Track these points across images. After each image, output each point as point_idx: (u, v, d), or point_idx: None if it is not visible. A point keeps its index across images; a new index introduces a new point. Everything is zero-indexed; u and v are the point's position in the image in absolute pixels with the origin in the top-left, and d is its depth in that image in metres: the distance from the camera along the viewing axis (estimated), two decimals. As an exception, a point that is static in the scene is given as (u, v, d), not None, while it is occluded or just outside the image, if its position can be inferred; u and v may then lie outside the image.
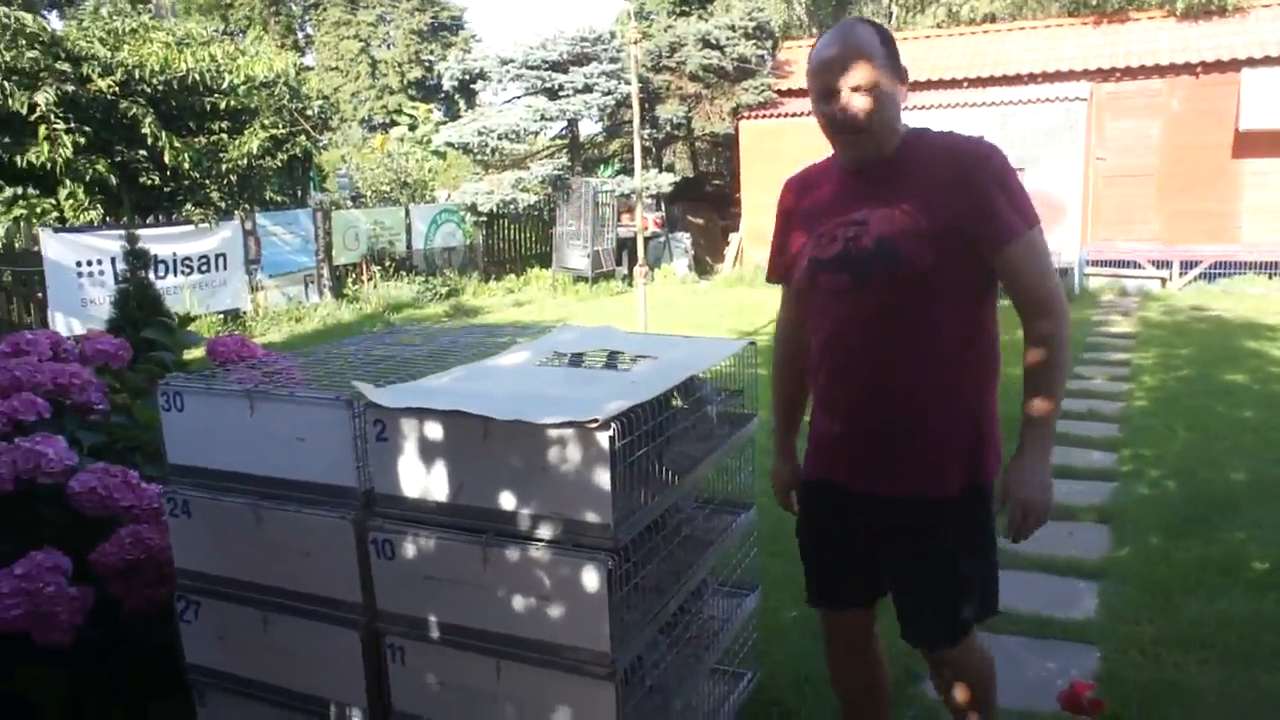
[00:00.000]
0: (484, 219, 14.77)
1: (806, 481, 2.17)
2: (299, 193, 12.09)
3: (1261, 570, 3.57)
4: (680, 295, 13.54)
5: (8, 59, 8.89)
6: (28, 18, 9.45)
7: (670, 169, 18.17)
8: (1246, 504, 4.38)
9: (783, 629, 3.20)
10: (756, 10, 15.83)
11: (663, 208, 17.24)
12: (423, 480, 1.99)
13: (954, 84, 14.58)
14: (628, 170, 17.40)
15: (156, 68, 9.65)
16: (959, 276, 1.86)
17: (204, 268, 10.26)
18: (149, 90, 9.91)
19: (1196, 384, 6.93)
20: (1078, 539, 4.02)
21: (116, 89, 9.59)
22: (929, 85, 14.79)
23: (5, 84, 8.87)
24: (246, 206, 10.88)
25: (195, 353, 4.09)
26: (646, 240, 16.01)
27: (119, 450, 3.00)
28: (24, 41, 9.02)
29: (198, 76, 10.04)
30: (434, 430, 1.95)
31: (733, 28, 14.91)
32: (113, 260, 9.13)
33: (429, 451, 1.97)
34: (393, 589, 2.05)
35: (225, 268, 10.50)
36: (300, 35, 28.38)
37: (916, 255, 1.82)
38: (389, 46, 27.61)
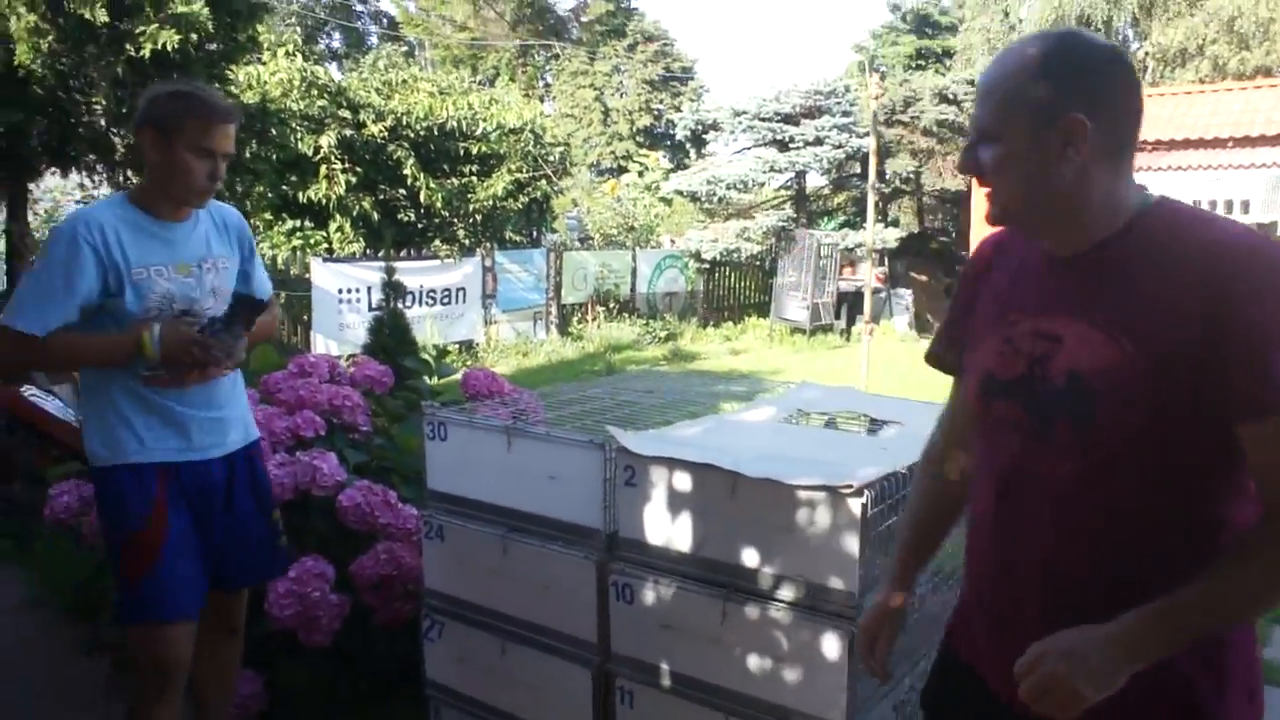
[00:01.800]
0: (706, 266, 15.01)
1: (943, 649, 1.53)
2: (535, 233, 12.79)
3: None
4: (900, 353, 13.15)
5: (302, 106, 10.04)
6: (320, 71, 10.64)
7: (895, 224, 17.80)
8: None
9: None
10: (998, 64, 15.33)
11: (886, 263, 16.88)
12: (667, 529, 2.03)
13: (1216, 143, 13.45)
14: (851, 223, 17.20)
15: (421, 115, 10.57)
16: (1189, 441, 1.19)
17: (445, 300, 11.01)
18: (412, 135, 10.85)
19: None
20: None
21: (386, 134, 10.57)
22: (1189, 145, 13.73)
23: (298, 128, 9.98)
24: (488, 244, 11.61)
25: (443, 381, 4.38)
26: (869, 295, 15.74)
27: (376, 470, 3.26)
28: (315, 92, 10.15)
29: (455, 123, 10.91)
30: (682, 481, 1.99)
31: (971, 83, 14.49)
32: (369, 290, 9.97)
33: (676, 501, 2.01)
34: (628, 633, 2.09)
35: (464, 301, 11.22)
36: (541, 84, 30.14)
37: (1121, 410, 1.19)
38: (621, 95, 28.80)
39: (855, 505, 1.76)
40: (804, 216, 15.65)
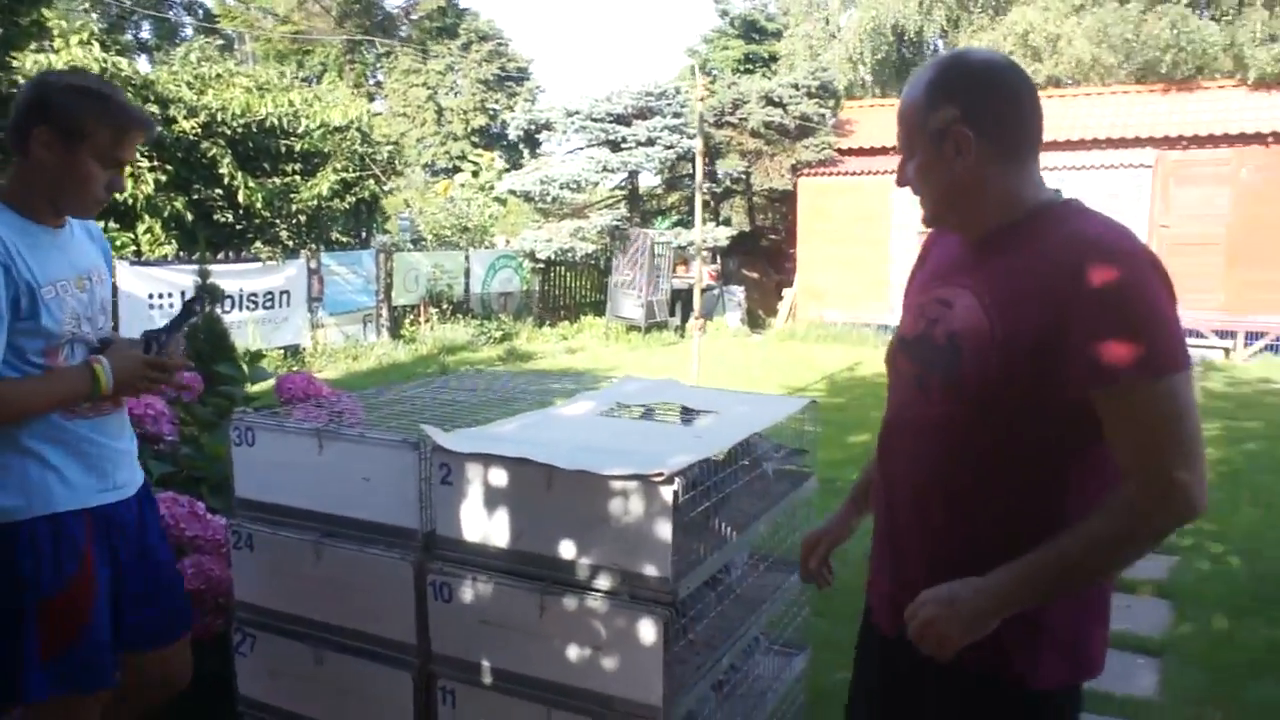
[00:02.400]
0: (541, 266, 14.98)
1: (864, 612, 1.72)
2: (364, 234, 12.40)
3: (1336, 657, 3.44)
4: (732, 349, 13.53)
5: (100, 99, 9.31)
6: (123, 63, 9.94)
7: (727, 223, 18.29)
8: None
9: (830, 691, 3.14)
10: (821, 70, 16.00)
11: (718, 261, 17.33)
12: (484, 525, 2.02)
13: (1016, 147, 14.51)
14: (684, 222, 17.55)
15: (238, 111, 10.05)
16: (1040, 410, 1.35)
17: (268, 304, 10.54)
18: (228, 132, 10.30)
19: (1263, 459, 6.73)
20: (1136, 613, 3.91)
21: (199, 130, 9.99)
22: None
23: (98, 125, 9.27)
24: (313, 246, 11.19)
25: (260, 387, 4.20)
26: (702, 292, 16.11)
27: (184, 481, 3.09)
28: (117, 84, 9.46)
29: (276, 121, 10.43)
30: (498, 476, 1.98)
31: (796, 86, 15.07)
32: (183, 294, 9.42)
33: (492, 497, 2.00)
34: (448, 632, 2.07)
35: (289, 305, 10.77)
36: (371, 82, 29.29)
37: (979, 370, 1.37)
38: (455, 94, 28.33)
39: (667, 493, 1.80)
40: (638, 216, 15.86)
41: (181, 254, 9.86)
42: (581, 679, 1.92)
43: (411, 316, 12.64)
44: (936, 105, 1.42)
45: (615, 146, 14.42)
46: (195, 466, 3.11)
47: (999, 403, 1.37)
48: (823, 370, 11.36)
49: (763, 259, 18.62)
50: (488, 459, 1.98)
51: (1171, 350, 1.29)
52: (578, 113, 14.34)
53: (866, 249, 14.96)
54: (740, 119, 15.10)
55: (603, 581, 1.90)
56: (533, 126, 14.90)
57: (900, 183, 1.53)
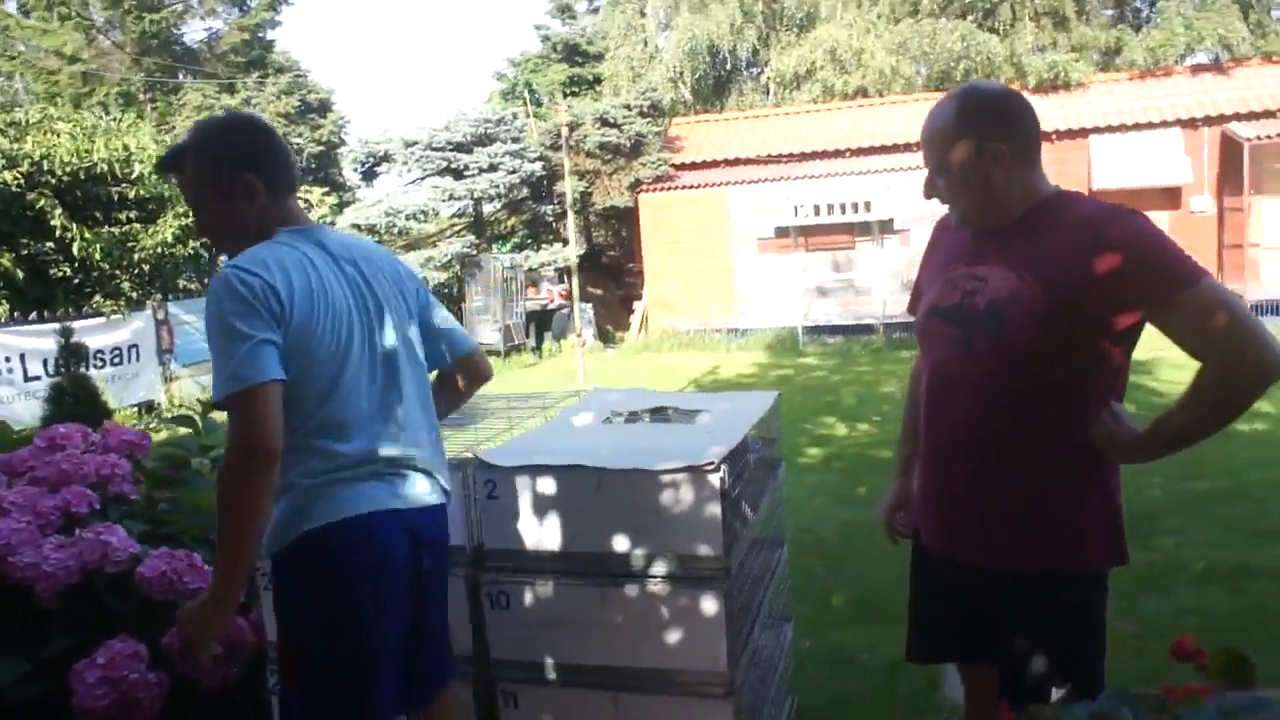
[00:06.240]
0: (393, 299, 14.78)
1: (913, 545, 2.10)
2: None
3: (1200, 569, 4.04)
4: (590, 364, 13.78)
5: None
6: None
7: (565, 243, 18.60)
8: (1164, 516, 4.92)
9: (800, 658, 3.45)
10: (650, 90, 16.58)
11: (566, 280, 17.61)
12: (536, 532, 2.18)
13: (838, 154, 15.55)
14: (528, 245, 17.73)
15: (65, 158, 9.46)
16: (1069, 357, 1.73)
17: (116, 360, 9.98)
18: (54, 181, 9.68)
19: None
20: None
21: (21, 181, 9.35)
22: (815, 156, 15.72)
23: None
24: (159, 296, 10.65)
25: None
26: (553, 312, 16.32)
27: (159, 537, 3.05)
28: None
29: (106, 166, 9.86)
30: (547, 485, 2.15)
31: (628, 106, 15.56)
32: (21, 356, 8.83)
33: (542, 505, 2.16)
34: (508, 637, 2.21)
35: (138, 359, 10.24)
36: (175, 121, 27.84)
37: (1022, 328, 1.73)
38: (255, 130, 27.25)
39: (715, 479, 2.03)
40: (484, 241, 15.91)
41: (16, 314, 9.20)
42: (645, 659, 2.11)
43: (270, 360, 12.18)
44: (972, 129, 1.79)
45: (458, 174, 14.44)
46: (169, 521, 3.07)
47: (1033, 354, 1.73)
48: (687, 376, 11.80)
49: (605, 275, 19.04)
50: (535, 470, 2.15)
51: (1192, 264, 1.67)
52: (417, 142, 14.28)
53: (709, 258, 15.61)
54: (577, 141, 15.45)
55: (659, 568, 2.10)
56: (372, 159, 14.70)
57: (928, 195, 1.91)
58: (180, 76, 26.50)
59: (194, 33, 27.77)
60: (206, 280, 11.86)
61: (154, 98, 26.84)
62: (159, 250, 10.15)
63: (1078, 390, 1.77)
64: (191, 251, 10.68)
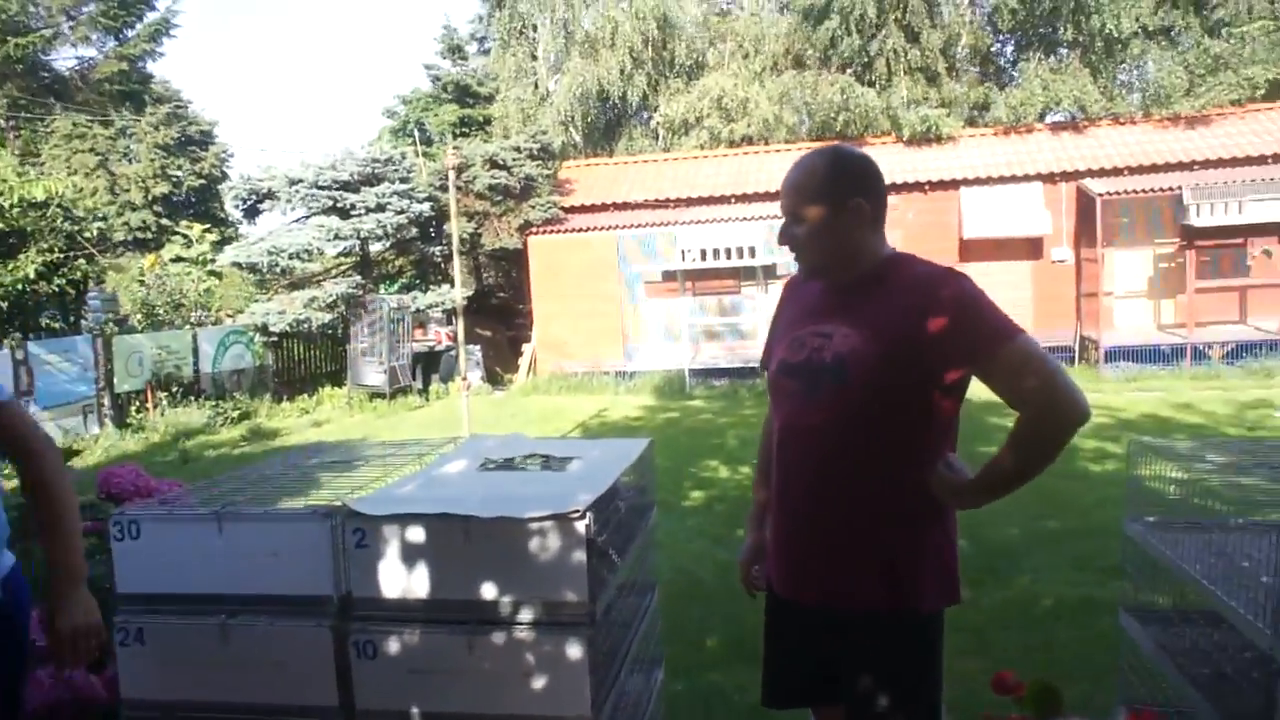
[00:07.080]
0: (275, 339, 14.41)
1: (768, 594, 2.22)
2: (75, 319, 11.37)
3: (1049, 606, 4.29)
4: (478, 406, 13.68)
5: None
6: None
7: (451, 284, 18.48)
8: (1022, 553, 5.21)
9: (673, 699, 3.51)
10: (540, 133, 16.73)
11: (453, 321, 17.47)
12: (404, 580, 2.19)
13: (724, 200, 15.98)
14: (415, 285, 17.54)
15: (-83, 192, 8.98)
16: (905, 407, 1.90)
17: (-32, 403, 9.40)
18: (-97, 216, 9.17)
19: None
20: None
21: None
22: (701, 201, 16.11)
23: None
24: (17, 335, 10.13)
25: None
26: (440, 354, 16.15)
27: None
28: None
29: (-38, 201, 9.41)
30: (416, 533, 2.17)
31: (518, 149, 15.66)
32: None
33: (410, 553, 2.18)
34: (374, 687, 2.20)
35: (-8, 402, 9.66)
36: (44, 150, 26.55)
37: (863, 380, 1.89)
38: (131, 161, 26.14)
39: (580, 527, 2.09)
40: (370, 282, 15.69)
41: None
42: (513, 706, 2.14)
43: (138, 403, 11.72)
44: (839, 186, 1.97)
45: (344, 214, 14.24)
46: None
47: (872, 404, 1.91)
48: (574, 419, 11.84)
49: (494, 317, 18.98)
50: (404, 519, 2.17)
51: (1009, 322, 1.85)
52: (301, 180, 14.04)
53: (599, 301, 15.76)
54: (466, 182, 15.45)
55: (526, 614, 2.14)
56: (255, 196, 14.36)
57: (782, 242, 2.07)
58: (52, 103, 25.34)
59: (65, 60, 26.59)
60: (71, 319, 11.37)
61: (18, 125, 25.57)
62: (20, 287, 9.67)
63: (914, 439, 1.94)
64: (56, 289, 10.22)
